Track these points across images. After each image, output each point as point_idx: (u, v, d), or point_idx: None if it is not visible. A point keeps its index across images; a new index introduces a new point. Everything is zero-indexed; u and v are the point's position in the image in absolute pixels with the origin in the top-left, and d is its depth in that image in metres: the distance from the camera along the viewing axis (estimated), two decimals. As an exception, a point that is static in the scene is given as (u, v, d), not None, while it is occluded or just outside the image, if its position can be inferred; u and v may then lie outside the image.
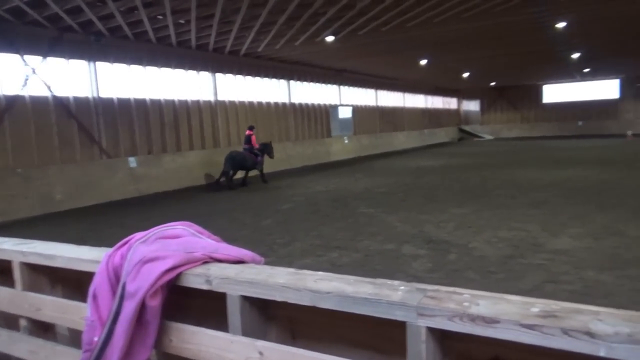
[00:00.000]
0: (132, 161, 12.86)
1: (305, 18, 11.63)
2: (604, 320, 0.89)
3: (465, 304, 1.02)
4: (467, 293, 1.08)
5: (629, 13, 12.77)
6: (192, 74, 15.26)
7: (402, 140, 27.96)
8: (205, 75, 15.75)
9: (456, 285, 1.16)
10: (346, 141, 22.61)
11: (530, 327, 0.91)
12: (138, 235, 1.58)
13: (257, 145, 13.67)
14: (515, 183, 11.34)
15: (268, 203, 10.17)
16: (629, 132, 27.93)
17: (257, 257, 1.54)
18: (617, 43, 17.90)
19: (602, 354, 0.85)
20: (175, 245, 1.50)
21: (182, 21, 11.67)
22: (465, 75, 26.77)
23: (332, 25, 12.52)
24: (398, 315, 1.07)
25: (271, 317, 1.44)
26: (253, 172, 13.90)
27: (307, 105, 20.65)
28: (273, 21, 11.87)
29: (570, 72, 28.55)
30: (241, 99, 17.15)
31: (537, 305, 0.97)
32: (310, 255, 5.85)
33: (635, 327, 0.85)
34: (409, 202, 9.34)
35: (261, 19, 11.49)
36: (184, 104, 14.86)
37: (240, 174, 13.64)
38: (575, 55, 20.83)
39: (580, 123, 34.35)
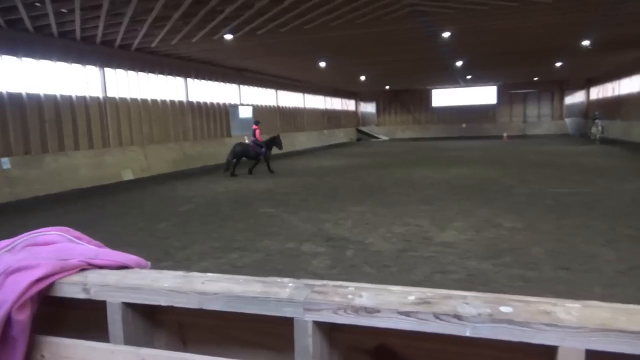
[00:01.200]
0: (5, 162, 11.54)
1: (202, 15, 11.30)
2: (470, 303, 0.97)
3: (350, 296, 1.05)
4: (352, 286, 1.11)
5: (502, 28, 14.17)
6: (77, 67, 14.09)
7: (303, 140, 28.36)
8: (93, 70, 14.64)
9: (354, 280, 1.19)
10: (247, 141, 22.38)
11: (407, 314, 0.97)
12: (2, 243, 1.41)
13: (260, 139, 14.88)
14: (409, 181, 12.05)
15: (164, 205, 9.72)
16: (505, 134, 31.10)
17: (143, 261, 1.45)
18: (493, 54, 19.80)
19: (468, 333, 0.93)
20: (47, 252, 1.37)
21: (64, 10, 10.73)
22: (362, 78, 27.86)
23: (230, 24, 12.31)
24: (286, 312, 1.08)
25: (158, 324, 1.38)
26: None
27: (206, 104, 20.10)
28: (167, 16, 11.37)
29: (455, 78, 31.03)
30: (134, 96, 16.20)
31: (414, 294, 1.03)
32: (210, 258, 5.70)
33: (495, 308, 0.94)
34: (310, 202, 9.49)
35: (154, 13, 10.94)
36: (67, 100, 13.67)
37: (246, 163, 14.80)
38: (459, 63, 22.68)
39: (464, 125, 37.50)
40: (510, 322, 0.90)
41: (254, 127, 15.15)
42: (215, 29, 12.76)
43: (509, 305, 0.94)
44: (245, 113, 22.90)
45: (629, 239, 5.83)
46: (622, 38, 16.73)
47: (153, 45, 14.59)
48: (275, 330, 1.22)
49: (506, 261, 5.16)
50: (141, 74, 16.52)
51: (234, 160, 14.26)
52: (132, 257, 1.47)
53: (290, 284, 1.16)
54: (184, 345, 1.39)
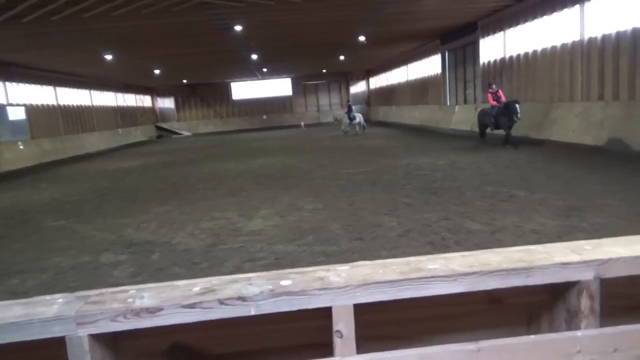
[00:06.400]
0: None
1: (-60, -5, 9.24)
2: (254, 283, 1.00)
3: (130, 300, 0.98)
4: (133, 289, 1.04)
5: (289, 23, 14.99)
6: None
7: (94, 141, 25.67)
8: None
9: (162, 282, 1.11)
10: (21, 147, 19.25)
11: (192, 306, 0.95)
12: None
13: (493, 103, 13.28)
14: (215, 175, 11.95)
15: None
16: (302, 123, 33.25)
17: None
18: (284, 47, 20.85)
19: (253, 312, 0.95)
20: None
21: None
22: (157, 72, 26.45)
23: (-18, 8, 10.34)
24: (56, 332, 0.95)
25: None
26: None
27: (-40, 105, 16.55)
28: None
29: (253, 71, 31.79)
30: None
31: (200, 284, 1.02)
32: (-20, 289, 4.75)
33: (276, 283, 0.98)
34: (107, 208, 8.67)
35: None
36: None
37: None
38: (255, 56, 23.27)
39: (264, 117, 38.85)
40: (289, 293, 0.95)
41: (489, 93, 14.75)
42: (-38, 14, 10.57)
43: (288, 279, 1.00)
44: (17, 114, 19.63)
45: (405, 207, 6.83)
46: (389, 34, 19.35)
47: None
48: (47, 355, 1.07)
49: (309, 240, 5.54)
50: None
51: (481, 128, 14.60)
52: None
53: (60, 300, 1.03)
54: None
